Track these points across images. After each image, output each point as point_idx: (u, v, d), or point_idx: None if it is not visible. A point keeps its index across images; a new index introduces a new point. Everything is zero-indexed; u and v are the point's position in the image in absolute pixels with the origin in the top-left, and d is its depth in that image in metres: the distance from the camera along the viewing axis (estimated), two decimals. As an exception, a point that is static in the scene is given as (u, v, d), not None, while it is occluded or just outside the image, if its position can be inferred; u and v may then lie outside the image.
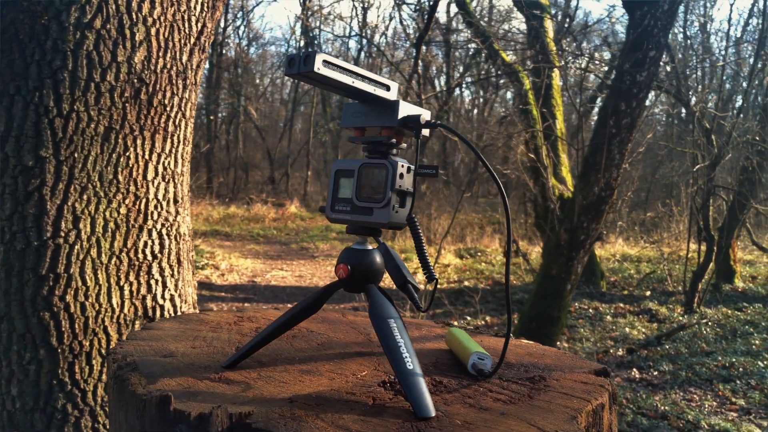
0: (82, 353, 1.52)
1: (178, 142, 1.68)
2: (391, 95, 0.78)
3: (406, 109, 0.76)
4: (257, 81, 22.08)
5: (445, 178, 14.83)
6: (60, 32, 1.43)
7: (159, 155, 1.62)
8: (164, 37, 1.57)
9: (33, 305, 1.46)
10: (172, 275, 1.70)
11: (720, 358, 4.88)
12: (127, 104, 1.52)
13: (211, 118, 18.63)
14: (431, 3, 9.38)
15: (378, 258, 0.79)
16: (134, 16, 1.50)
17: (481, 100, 19.88)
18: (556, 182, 6.18)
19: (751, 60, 7.28)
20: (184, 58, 1.65)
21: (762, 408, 4.00)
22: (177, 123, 1.65)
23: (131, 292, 1.60)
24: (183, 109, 1.67)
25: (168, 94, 1.61)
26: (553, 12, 8.10)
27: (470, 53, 18.28)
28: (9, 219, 1.44)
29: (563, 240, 3.45)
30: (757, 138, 6.71)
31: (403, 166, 0.75)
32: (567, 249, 3.42)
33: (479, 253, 9.79)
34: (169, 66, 1.60)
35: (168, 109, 1.61)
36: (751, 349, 5.21)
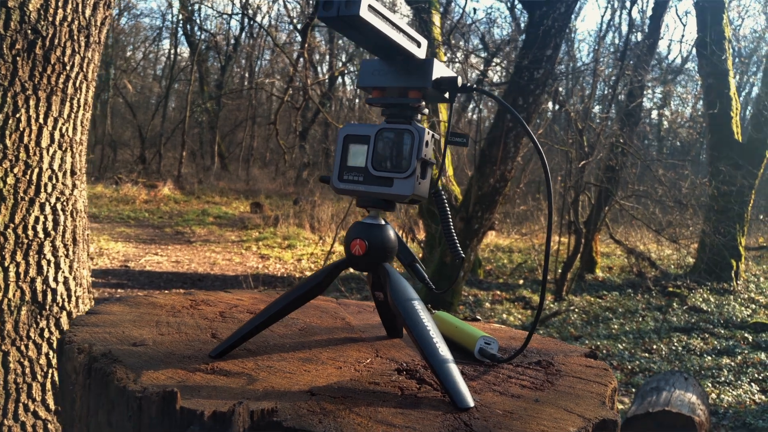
0: (-43, 345, 1.30)
1: (78, 106, 1.49)
2: (421, 53, 0.70)
3: (439, 70, 0.69)
4: (128, 54, 20.64)
5: (326, 166, 14.79)
6: (-62, -34, 1.20)
7: (56, 120, 1.43)
8: (66, -15, 1.38)
9: None
10: (67, 255, 1.52)
11: (587, 342, 5.29)
12: (18, 58, 1.32)
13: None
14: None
15: (393, 234, 0.72)
16: (31, -43, 1.30)
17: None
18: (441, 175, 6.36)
19: (611, 69, 7.95)
20: (88, 12, 1.46)
21: (623, 386, 4.39)
22: (78, 85, 1.47)
23: (17, 273, 1.40)
24: (85, 70, 1.48)
25: (68, 52, 1.42)
26: (440, 9, 8.29)
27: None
28: None
29: (458, 229, 3.54)
30: (621, 140, 7.32)
31: (429, 133, 0.69)
32: (461, 237, 3.51)
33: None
34: (70, 19, 1.41)
35: (68, 68, 1.42)
36: (611, 333, 5.70)
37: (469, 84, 0.70)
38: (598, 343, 5.25)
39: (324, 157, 17.66)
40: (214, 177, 17.59)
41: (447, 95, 0.69)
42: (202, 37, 18.88)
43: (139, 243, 8.78)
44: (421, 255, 8.05)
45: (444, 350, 0.62)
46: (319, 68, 20.57)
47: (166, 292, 5.88)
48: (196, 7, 18.38)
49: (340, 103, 19.09)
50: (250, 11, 19.26)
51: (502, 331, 0.94)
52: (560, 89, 8.01)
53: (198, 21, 19.12)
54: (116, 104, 20.07)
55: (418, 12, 7.49)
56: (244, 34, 20.18)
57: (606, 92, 9.23)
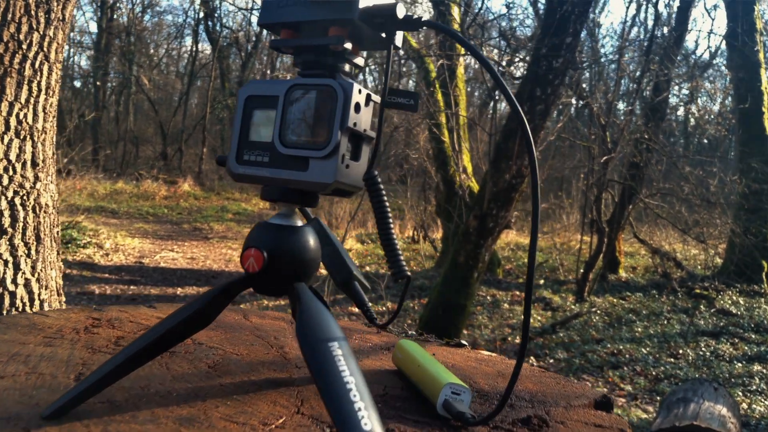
0: None
1: (39, 90, 1.35)
2: None
3: None
4: (152, 51, 20.76)
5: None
6: None
7: (11, 105, 1.29)
8: (20, -47, 1.24)
9: None
10: (28, 255, 1.38)
11: (609, 346, 5.07)
12: (-35, 35, 1.18)
13: (99, 84, 17.29)
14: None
15: (312, 240, 0.53)
16: None
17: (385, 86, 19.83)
18: (460, 170, 6.17)
19: (636, 64, 7.67)
20: (48, -15, 1.32)
21: (647, 393, 4.17)
22: (37, 67, 1.33)
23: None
24: (46, 50, 1.35)
25: (24, 29, 1.28)
26: (460, 2, 8.10)
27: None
28: None
29: (472, 227, 3.37)
30: (646, 136, 7.06)
31: (361, 91, 0.51)
32: (475, 236, 3.34)
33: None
34: (26, -8, 1.27)
35: (24, 47, 1.29)
36: (635, 336, 5.47)
37: (415, 16, 0.50)
38: (621, 347, 5.03)
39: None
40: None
41: (384, 34, 0.51)
42: (223, 33, 18.89)
43: (155, 239, 8.74)
44: (437, 256, 7.88)
45: (370, 422, 0.39)
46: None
47: (179, 290, 5.71)
48: (217, 3, 18.41)
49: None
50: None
51: (490, 362, 0.75)
52: (583, 85, 7.76)
53: (219, 17, 19.15)
54: (139, 101, 20.21)
55: (436, 5, 7.32)
56: (265, 30, 20.17)
57: (630, 87, 8.95)
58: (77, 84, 19.11)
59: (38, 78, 1.34)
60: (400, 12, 0.49)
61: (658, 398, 3.98)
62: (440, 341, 0.76)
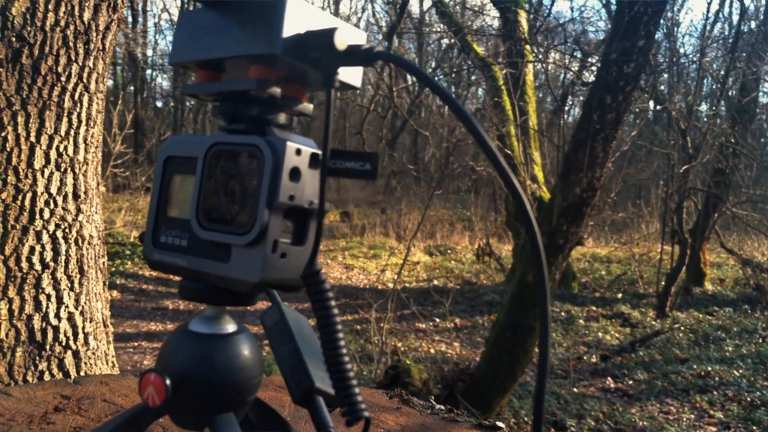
0: (-60, 391, 1.17)
1: (79, 122, 1.33)
2: None
3: (301, 19, 0.38)
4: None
5: (415, 174, 14.57)
6: None
7: (51, 137, 1.28)
8: (56, -15, 1.22)
9: None
10: (71, 288, 1.36)
11: (695, 367, 4.71)
12: (1, 69, 1.17)
13: (177, 104, 18.07)
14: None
15: (244, 354, 0.42)
16: (11, -45, 1.15)
17: (454, 95, 19.70)
18: (530, 181, 5.94)
19: (719, 64, 7.17)
20: (86, 15, 1.30)
21: (741, 422, 3.82)
22: (77, 98, 1.31)
23: (11, 311, 1.25)
24: (86, 81, 1.33)
25: (62, 61, 1.26)
26: (527, 8, 7.89)
27: (443, 48, 18.06)
28: None
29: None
30: (732, 140, 6.58)
31: (300, 152, 0.39)
32: (545, 253, 3.15)
33: (449, 251, 9.56)
34: (63, 24, 1.26)
35: (63, 79, 1.27)
36: (725, 357, 5.06)
37: (365, 46, 0.37)
38: (709, 368, 4.66)
39: (413, 164, 17.43)
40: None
41: (326, 72, 0.38)
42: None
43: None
44: (507, 270, 7.63)
45: None
46: (408, 76, 20.53)
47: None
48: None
49: (430, 111, 18.86)
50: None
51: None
52: (661, 87, 7.34)
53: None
54: (217, 119, 20.99)
55: (503, 12, 7.15)
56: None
57: (714, 87, 8.40)
58: (158, 104, 20.04)
59: (78, 109, 1.32)
60: (340, 41, 0.36)
61: (755, 428, 3.63)
62: (472, 421, 0.64)
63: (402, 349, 4.74)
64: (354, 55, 0.37)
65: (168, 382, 0.39)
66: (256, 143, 0.38)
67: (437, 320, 5.84)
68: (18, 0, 1.18)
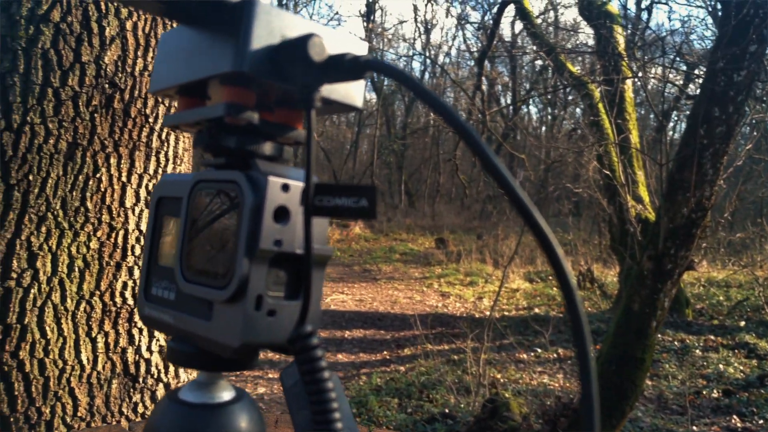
0: (41, 423, 1.23)
1: (167, 160, 1.38)
2: None
3: (276, 29, 0.33)
4: (322, 104, 22.31)
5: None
6: (10, 27, 1.17)
7: (140, 176, 1.33)
8: (144, 32, 1.28)
9: (-20, 363, 1.19)
10: (162, 322, 1.40)
11: None
12: (96, 114, 1.24)
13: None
14: (494, 18, 9.01)
15: (244, 425, 0.36)
16: (103, 7, 1.22)
17: (549, 116, 19.23)
18: (633, 201, 5.62)
19: None
20: (173, 58, 1.36)
21: None
22: (164, 138, 1.36)
23: (107, 344, 1.30)
24: (173, 120, 1.38)
25: (150, 103, 1.32)
26: (623, 23, 7.58)
27: (536, 70, 17.75)
28: (-49, 257, 1.18)
29: (646, 269, 2.97)
30: None
31: (287, 187, 0.33)
32: (651, 280, 2.93)
33: (550, 277, 9.21)
34: (150, 68, 1.32)
35: (151, 120, 1.32)
36: None
37: (350, 56, 0.31)
38: None
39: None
40: (402, 214, 17.98)
41: (302, 90, 0.31)
42: (386, 82, 19.70)
43: (328, 281, 9.12)
44: (612, 296, 7.22)
45: None
46: (502, 99, 20.36)
47: (347, 333, 5.80)
48: (380, 54, 19.29)
49: (525, 133, 18.50)
50: (432, 52, 19.74)
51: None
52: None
53: (382, 67, 20.00)
54: (314, 151, 21.74)
55: (597, 28, 6.91)
56: (427, 74, 20.69)
57: None
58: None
59: (165, 149, 1.37)
60: (316, 51, 0.31)
61: None
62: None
63: (501, 380, 4.57)
64: (337, 68, 0.31)
65: None
66: (235, 179, 0.33)
67: (538, 350, 5.59)
68: (110, 49, 1.24)
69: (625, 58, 6.07)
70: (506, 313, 7.08)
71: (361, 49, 0.35)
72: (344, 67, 0.31)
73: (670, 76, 6.59)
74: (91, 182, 1.24)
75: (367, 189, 0.30)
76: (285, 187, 0.33)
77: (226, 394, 0.38)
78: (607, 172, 4.91)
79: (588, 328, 0.28)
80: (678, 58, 6.56)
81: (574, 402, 3.51)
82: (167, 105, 1.36)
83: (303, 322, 0.31)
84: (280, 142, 0.38)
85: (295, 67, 0.31)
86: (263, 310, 0.33)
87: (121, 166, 1.29)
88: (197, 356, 0.36)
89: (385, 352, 5.48)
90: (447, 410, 3.71)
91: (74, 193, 1.23)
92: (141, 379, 1.36)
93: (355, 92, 0.37)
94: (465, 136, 0.27)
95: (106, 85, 1.25)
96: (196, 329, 0.35)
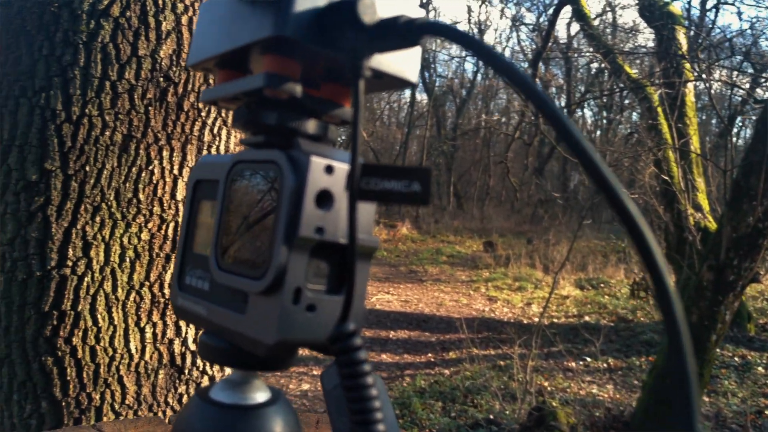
0: (91, 408, 1.25)
1: (218, 154, 1.39)
2: None
3: None
4: (374, 105, 22.39)
5: (563, 202, 13.98)
6: (72, 22, 1.19)
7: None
8: (199, 27, 1.30)
9: (35, 348, 1.22)
10: (209, 315, 1.41)
11: None
12: (150, 108, 1.25)
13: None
14: (549, 19, 8.84)
15: (278, 430, 0.34)
16: (160, 2, 1.24)
17: (605, 120, 18.75)
18: (692, 209, 5.40)
19: None
20: (226, 53, 1.37)
21: None
22: (216, 132, 1.37)
23: (155, 334, 1.32)
24: (224, 115, 1.39)
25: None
26: (686, 24, 7.32)
27: (592, 72, 17.32)
28: (10, 244, 1.22)
29: (706, 280, 2.84)
30: None
31: (331, 168, 0.31)
32: (711, 291, 2.80)
33: (602, 285, 8.97)
34: (205, 62, 1.33)
35: (203, 114, 1.33)
36: None
37: (404, 19, 0.27)
38: None
39: (561, 192, 16.77)
40: (450, 216, 17.86)
41: (350, 57, 0.28)
42: (437, 83, 19.64)
43: (374, 281, 9.13)
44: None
45: None
46: (556, 102, 20.01)
47: (392, 333, 5.79)
48: (432, 54, 19.23)
49: (579, 136, 18.07)
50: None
51: None
52: None
53: (434, 67, 19.95)
54: (364, 151, 21.88)
55: (658, 30, 6.69)
56: (479, 75, 20.50)
57: None
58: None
59: (217, 143, 1.38)
60: (367, 13, 0.27)
61: None
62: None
63: (548, 388, 4.46)
64: (389, 33, 0.27)
65: None
66: (275, 159, 0.31)
67: (588, 359, 5.44)
68: (166, 43, 1.26)
69: (688, 60, 5.85)
70: (555, 320, 6.93)
71: (416, 12, 0.31)
72: (398, 32, 0.28)
73: (737, 79, 6.31)
74: (143, 174, 1.26)
75: (420, 171, 0.27)
76: (329, 169, 0.31)
77: (261, 395, 0.35)
78: (666, 178, 4.73)
79: (685, 329, 0.25)
80: (745, 61, 6.29)
81: (625, 414, 3.40)
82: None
83: (345, 320, 0.28)
84: (326, 121, 0.35)
85: (342, 32, 0.28)
86: (302, 305, 0.30)
87: (174, 158, 1.30)
88: (230, 353, 0.34)
89: (429, 355, 5.44)
90: (491, 416, 3.64)
91: (127, 185, 1.25)
92: (186, 371, 1.37)
93: (409, 64, 0.33)
94: (540, 104, 0.24)
95: (161, 79, 1.26)
96: (230, 323, 0.32)
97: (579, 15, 7.59)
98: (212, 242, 0.34)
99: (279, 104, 0.33)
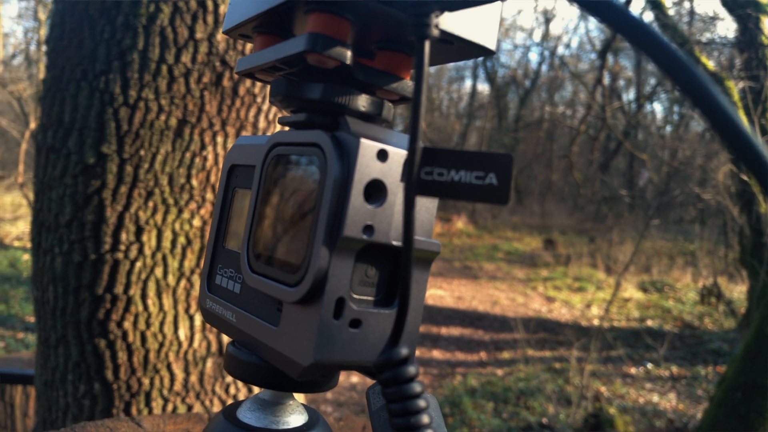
0: (141, 392, 1.25)
1: (256, 135, 1.37)
2: None
3: None
4: (434, 95, 22.22)
5: (629, 200, 13.49)
6: (132, 6, 1.18)
7: (246, 157, 1.32)
8: (257, 10, 1.27)
9: (89, 330, 1.23)
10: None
11: None
12: (205, 92, 1.23)
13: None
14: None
15: None
16: (219, -16, 1.21)
17: (676, 115, 17.94)
18: (772, 212, 5.07)
19: None
20: (284, 38, 1.34)
21: None
22: (271, 119, 1.35)
23: (203, 323, 1.31)
24: (281, 101, 1.36)
25: (259, 83, 1.30)
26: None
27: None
28: (68, 226, 1.23)
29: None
30: None
31: (385, 154, 0.25)
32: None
33: (666, 288, 8.60)
34: (262, 47, 1.30)
35: (259, 100, 1.31)
36: None
37: None
38: None
39: (628, 190, 16.21)
40: (508, 212, 17.57)
41: (414, 14, 0.21)
42: (500, 73, 19.26)
43: (427, 275, 9.06)
44: (739, 315, 6.60)
45: None
46: (624, 95, 19.31)
47: (444, 329, 5.73)
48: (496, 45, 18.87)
49: (648, 132, 17.41)
50: (550, 42, 19.05)
51: None
52: None
53: (497, 57, 19.59)
54: (423, 138, 21.82)
55: (741, 19, 6.31)
56: (544, 66, 20.02)
57: None
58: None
59: (272, 130, 1.35)
60: None
61: None
62: None
63: (605, 394, 4.30)
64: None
65: None
66: (317, 141, 0.26)
67: (649, 366, 5.22)
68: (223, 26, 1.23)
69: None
70: (616, 324, 6.69)
71: None
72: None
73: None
74: (197, 160, 1.25)
75: (499, 158, 0.21)
76: (382, 155, 0.25)
77: (295, 419, 0.30)
78: (744, 178, 4.46)
79: None
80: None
81: (688, 427, 3.23)
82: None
83: (396, 342, 0.23)
84: (380, 97, 0.29)
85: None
86: (344, 319, 0.25)
87: (227, 145, 1.29)
88: (260, 371, 0.29)
89: (482, 353, 5.34)
90: (545, 420, 3.54)
91: (181, 170, 1.24)
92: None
93: (486, 27, 0.27)
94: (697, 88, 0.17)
95: (217, 63, 1.24)
96: (261, 335, 0.28)
97: (653, 3, 7.24)
98: (244, 239, 0.29)
99: (325, 74, 0.28)
